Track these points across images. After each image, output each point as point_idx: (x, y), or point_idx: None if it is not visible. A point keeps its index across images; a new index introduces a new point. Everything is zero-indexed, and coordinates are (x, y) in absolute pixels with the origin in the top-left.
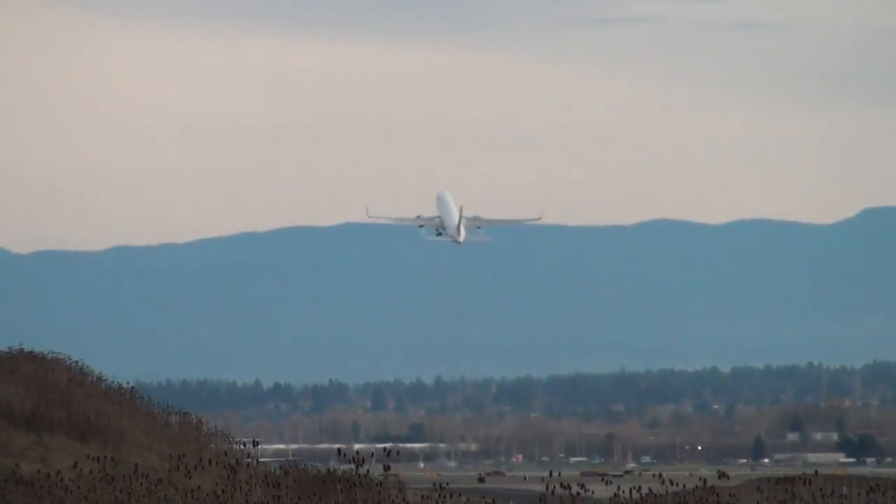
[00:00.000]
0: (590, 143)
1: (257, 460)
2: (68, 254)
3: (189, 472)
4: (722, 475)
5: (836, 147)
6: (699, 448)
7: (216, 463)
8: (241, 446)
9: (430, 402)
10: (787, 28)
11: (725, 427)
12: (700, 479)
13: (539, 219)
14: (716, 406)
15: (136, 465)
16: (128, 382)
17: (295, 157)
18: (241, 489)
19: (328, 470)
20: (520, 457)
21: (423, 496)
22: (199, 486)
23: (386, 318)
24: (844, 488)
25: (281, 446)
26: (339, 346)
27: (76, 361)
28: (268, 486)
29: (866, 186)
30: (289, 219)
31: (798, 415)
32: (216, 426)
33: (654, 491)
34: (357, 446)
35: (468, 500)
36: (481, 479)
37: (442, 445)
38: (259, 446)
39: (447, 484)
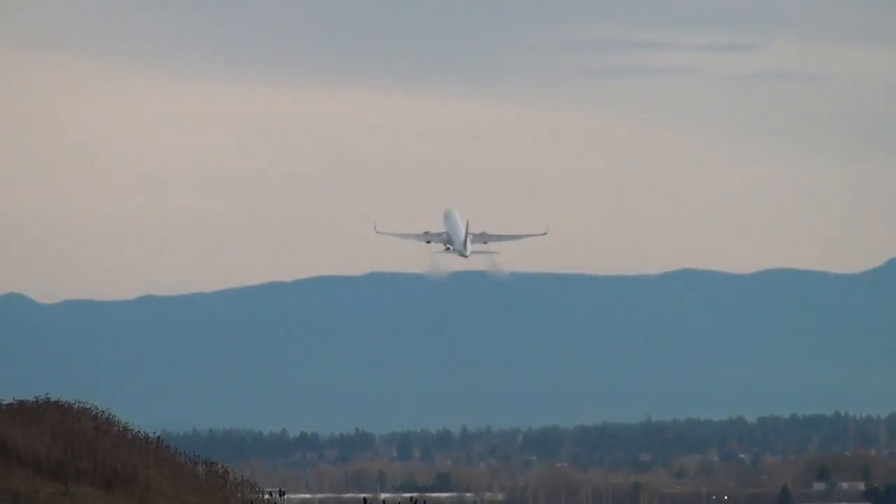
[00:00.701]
0: (617, 192)
1: None
2: (95, 303)
3: None
4: None
5: (862, 197)
6: (726, 498)
7: None
8: (268, 496)
9: (457, 452)
10: (816, 79)
11: (752, 476)
12: None
13: (545, 233)
14: (742, 455)
15: None
16: (154, 432)
17: (321, 207)
18: None
19: None
20: None
21: None
22: None
23: (412, 367)
24: None
25: (307, 496)
26: (365, 396)
27: (102, 411)
28: None
29: (893, 237)
30: (315, 268)
31: (824, 464)
32: (242, 476)
33: None
34: (383, 496)
35: None
36: None
37: (468, 495)
38: (285, 496)
39: None
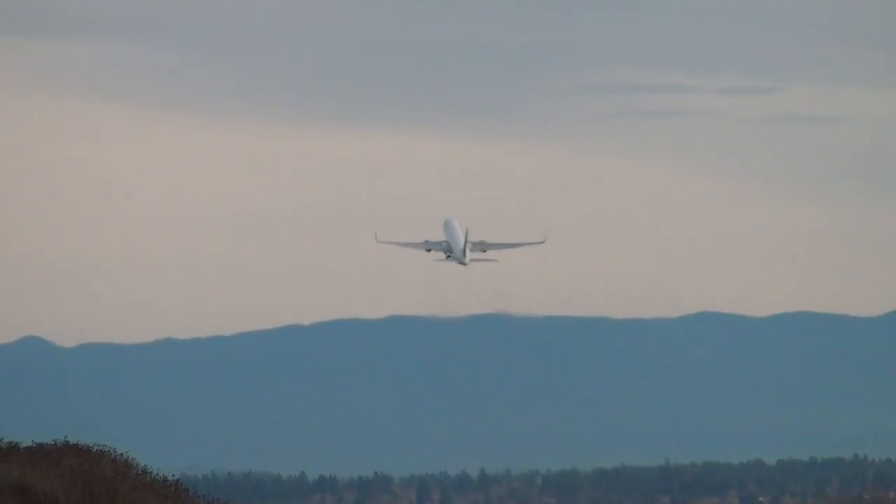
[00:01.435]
0: (635, 235)
1: None
2: (114, 346)
3: None
4: None
5: (881, 240)
6: None
7: None
8: None
9: (475, 494)
10: (834, 122)
11: None
12: None
13: (543, 241)
14: (761, 498)
15: None
16: (173, 475)
17: (340, 249)
18: None
19: None
20: None
21: None
22: None
23: (431, 409)
24: None
25: None
26: (384, 438)
27: (122, 454)
28: None
29: None
30: (333, 311)
31: None
32: None
33: None
34: None
35: None
36: None
37: None
38: None
39: None
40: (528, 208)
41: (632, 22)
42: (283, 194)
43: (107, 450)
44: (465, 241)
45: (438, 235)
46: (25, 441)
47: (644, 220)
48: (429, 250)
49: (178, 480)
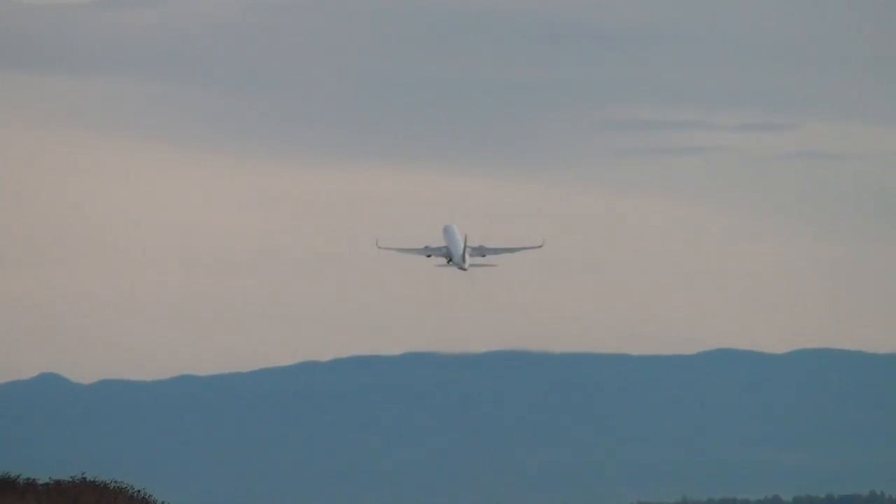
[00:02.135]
0: (652, 271)
1: None
2: (131, 383)
3: None
4: None
5: None
6: None
7: None
8: None
9: None
10: (854, 158)
11: None
12: None
13: (540, 246)
14: None
15: None
16: None
17: (356, 286)
18: None
19: None
20: None
21: None
22: None
23: (448, 446)
24: None
25: None
26: (402, 475)
27: (139, 490)
28: None
29: None
30: (351, 348)
31: None
32: None
33: None
34: None
35: None
36: None
37: None
38: None
39: None
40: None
41: (647, 58)
42: (301, 231)
43: (124, 486)
44: (465, 247)
45: (438, 241)
46: (43, 478)
47: (661, 256)
48: (429, 256)
49: None
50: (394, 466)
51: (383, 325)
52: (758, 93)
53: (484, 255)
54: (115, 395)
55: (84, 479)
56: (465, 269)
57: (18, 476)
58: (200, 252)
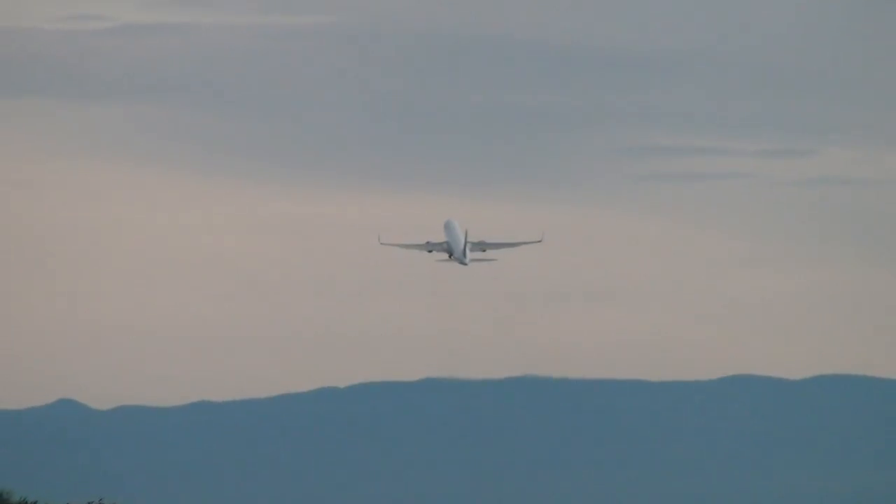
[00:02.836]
0: (670, 297)
1: None
2: (148, 409)
3: None
4: None
5: None
6: None
7: None
8: None
9: None
10: (873, 184)
11: None
12: None
13: (540, 241)
14: None
15: None
16: None
17: (375, 311)
18: None
19: None
20: None
21: None
22: None
23: (467, 474)
24: None
25: None
26: (421, 501)
27: None
28: None
29: None
30: (369, 374)
31: None
32: None
33: None
34: None
35: None
36: None
37: None
38: None
39: None
40: (560, 268)
41: (665, 84)
42: (317, 256)
43: None
44: (466, 242)
45: (439, 237)
46: (60, 503)
47: (680, 281)
48: (430, 251)
49: None
50: (413, 493)
51: (401, 350)
52: (777, 119)
53: (485, 251)
54: (133, 420)
55: (101, 503)
56: (465, 264)
57: (36, 501)
58: (217, 278)
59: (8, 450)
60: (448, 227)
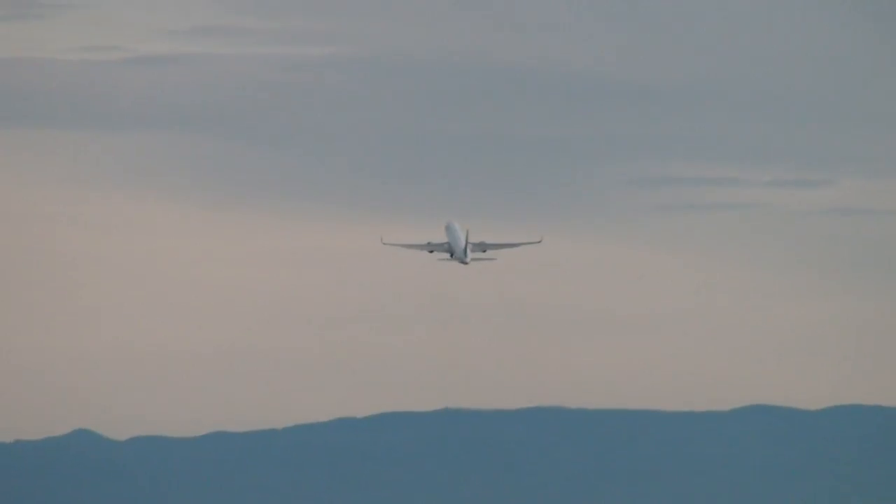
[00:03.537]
0: (685, 327)
1: None
2: (165, 440)
3: None
4: None
5: None
6: None
7: None
8: None
9: None
10: (889, 214)
11: None
12: None
13: (540, 241)
14: None
15: None
16: None
17: (391, 341)
18: None
19: None
20: None
21: None
22: None
23: (484, 502)
24: None
25: None
26: None
27: None
28: None
29: None
30: (387, 403)
31: None
32: None
33: None
34: None
35: None
36: None
37: None
38: None
39: None
40: (575, 299)
41: (679, 114)
42: (335, 286)
43: None
44: (466, 242)
45: (441, 237)
46: None
47: (695, 312)
48: (431, 251)
49: None
50: None
51: (418, 380)
52: (791, 148)
53: (485, 251)
54: (149, 451)
55: None
56: (466, 263)
57: None
58: (234, 308)
59: (24, 480)
60: (449, 228)
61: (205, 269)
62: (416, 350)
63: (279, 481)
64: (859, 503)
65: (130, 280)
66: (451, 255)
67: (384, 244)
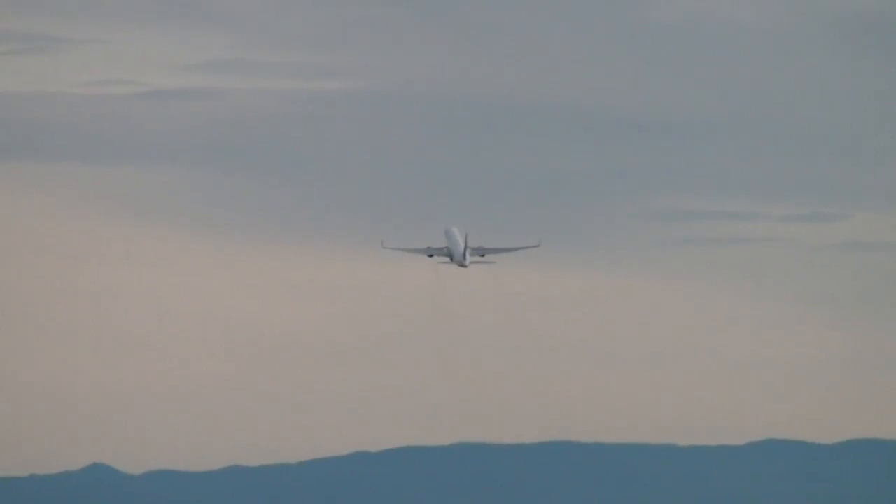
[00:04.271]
0: (699, 362)
1: None
2: (180, 474)
3: None
4: None
5: None
6: None
7: None
8: None
9: None
10: None
11: None
12: None
13: (537, 245)
14: None
15: None
16: None
17: (406, 375)
18: None
19: None
20: None
21: None
22: None
23: None
24: None
25: None
26: None
27: None
28: None
29: None
30: (401, 438)
31: None
32: None
33: None
34: None
35: None
36: None
37: None
38: None
39: None
40: (591, 334)
41: (693, 148)
42: (351, 320)
43: None
44: (465, 246)
45: (440, 242)
46: None
47: (708, 346)
48: (431, 256)
49: None
50: None
51: (433, 414)
52: (806, 183)
53: (483, 255)
54: (164, 485)
55: None
56: (465, 266)
57: None
58: (249, 341)
59: None
60: (448, 233)
61: (220, 304)
62: (431, 384)
63: None
64: None
65: (145, 314)
66: (451, 259)
67: (384, 248)
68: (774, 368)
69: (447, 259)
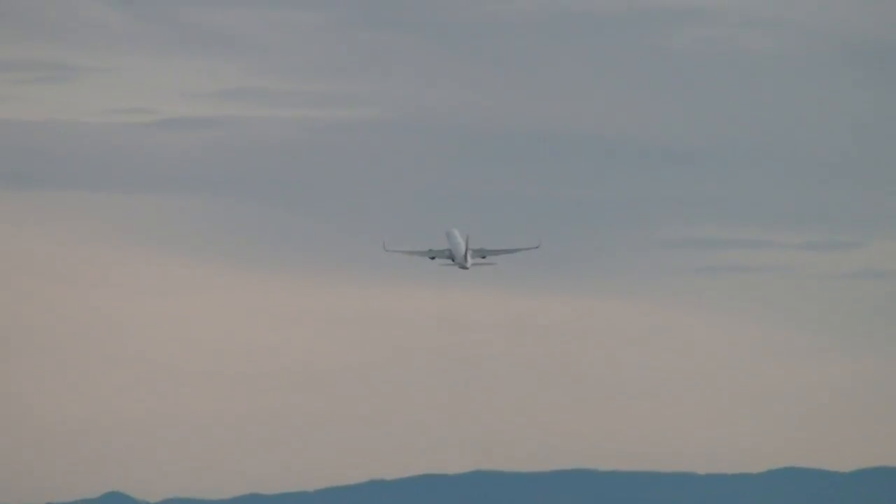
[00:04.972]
0: (716, 390)
1: None
2: (198, 502)
3: None
4: None
5: None
6: None
7: None
8: None
9: None
10: None
11: None
12: None
13: (538, 246)
14: None
15: None
16: None
17: (422, 402)
18: None
19: None
20: None
21: None
22: None
23: None
24: None
25: None
26: None
27: None
28: None
29: None
30: (417, 466)
31: None
32: None
33: None
34: None
35: None
36: None
37: None
38: None
39: None
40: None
41: (710, 176)
42: (366, 348)
43: None
44: (467, 248)
45: (442, 244)
46: None
47: (726, 374)
48: (433, 258)
49: None
50: None
51: (450, 442)
52: (823, 210)
53: (484, 257)
54: None
55: None
56: (466, 268)
57: None
58: (265, 370)
59: None
60: (449, 235)
61: (237, 332)
62: (448, 413)
63: None
64: None
65: (162, 343)
66: (453, 261)
67: (387, 251)
68: (792, 396)
69: (449, 261)
